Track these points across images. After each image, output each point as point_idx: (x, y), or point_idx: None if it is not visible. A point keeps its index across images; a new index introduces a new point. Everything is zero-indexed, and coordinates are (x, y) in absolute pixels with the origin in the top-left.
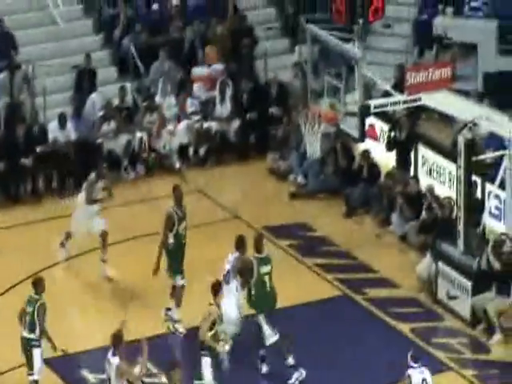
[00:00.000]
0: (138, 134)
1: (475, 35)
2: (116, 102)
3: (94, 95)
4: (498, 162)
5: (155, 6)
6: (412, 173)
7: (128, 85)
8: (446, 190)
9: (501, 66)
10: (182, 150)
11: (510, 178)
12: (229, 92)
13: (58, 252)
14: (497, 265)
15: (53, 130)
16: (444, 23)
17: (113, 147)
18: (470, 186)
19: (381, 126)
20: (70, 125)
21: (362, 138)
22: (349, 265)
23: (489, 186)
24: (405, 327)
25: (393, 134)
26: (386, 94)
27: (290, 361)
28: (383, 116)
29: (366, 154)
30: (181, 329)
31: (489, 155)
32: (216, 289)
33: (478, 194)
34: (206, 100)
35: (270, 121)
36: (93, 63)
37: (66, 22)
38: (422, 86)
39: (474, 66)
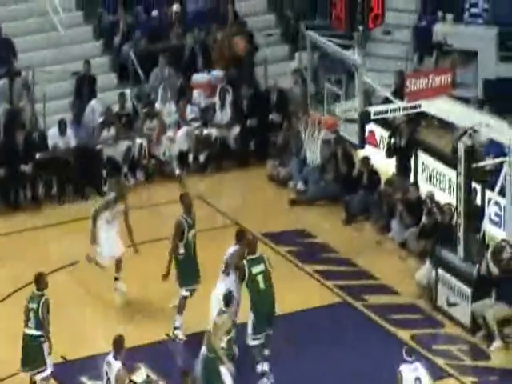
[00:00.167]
0: (138, 141)
1: (475, 42)
2: (116, 108)
3: (93, 102)
4: (497, 168)
5: (155, 13)
6: (412, 179)
7: (128, 91)
8: (445, 196)
9: (501, 73)
10: (182, 157)
11: (510, 185)
12: (229, 98)
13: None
14: (496, 271)
15: (52, 136)
16: (444, 30)
17: (112, 154)
18: (469, 193)
19: (381, 133)
20: (69, 131)
21: (361, 145)
22: (348, 271)
23: (489, 193)
24: (405, 334)
25: (393, 140)
26: (386, 101)
27: (260, 368)
28: (383, 123)
29: (365, 160)
30: (180, 335)
31: (489, 162)
32: (228, 299)
33: (478, 201)
34: (205, 106)
35: (270, 127)
36: (93, 70)
37: (65, 29)
38: (422, 93)
39: (474, 73)
